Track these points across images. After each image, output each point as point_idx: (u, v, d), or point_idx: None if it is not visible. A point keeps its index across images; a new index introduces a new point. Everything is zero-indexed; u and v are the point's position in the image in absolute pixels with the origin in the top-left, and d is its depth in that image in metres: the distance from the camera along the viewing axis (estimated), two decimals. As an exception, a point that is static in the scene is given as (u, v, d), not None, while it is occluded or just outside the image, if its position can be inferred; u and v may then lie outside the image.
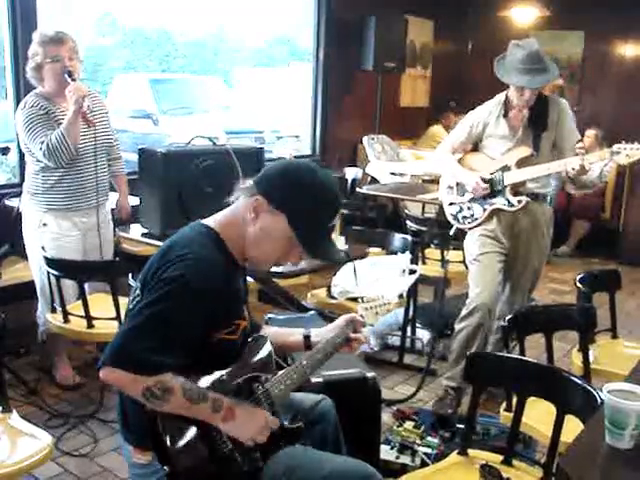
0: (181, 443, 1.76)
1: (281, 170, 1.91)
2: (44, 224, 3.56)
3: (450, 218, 3.77)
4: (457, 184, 3.71)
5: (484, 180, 3.52)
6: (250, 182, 1.92)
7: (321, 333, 2.19)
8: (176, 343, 1.72)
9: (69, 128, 3.39)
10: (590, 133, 7.00)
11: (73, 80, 3.41)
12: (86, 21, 14.53)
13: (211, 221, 1.94)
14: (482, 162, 3.60)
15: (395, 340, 4.42)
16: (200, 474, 1.81)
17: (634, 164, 3.33)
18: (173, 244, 1.86)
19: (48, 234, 3.55)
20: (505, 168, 3.50)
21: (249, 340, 2.02)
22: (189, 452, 1.77)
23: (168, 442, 1.74)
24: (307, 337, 2.19)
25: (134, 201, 3.88)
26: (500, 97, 3.55)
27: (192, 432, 1.78)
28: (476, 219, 3.62)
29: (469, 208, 3.65)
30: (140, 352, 1.67)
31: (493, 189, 3.53)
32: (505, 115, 3.51)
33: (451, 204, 3.75)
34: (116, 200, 3.94)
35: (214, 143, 3.64)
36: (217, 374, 1.86)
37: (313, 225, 1.89)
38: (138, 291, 1.85)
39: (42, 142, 3.39)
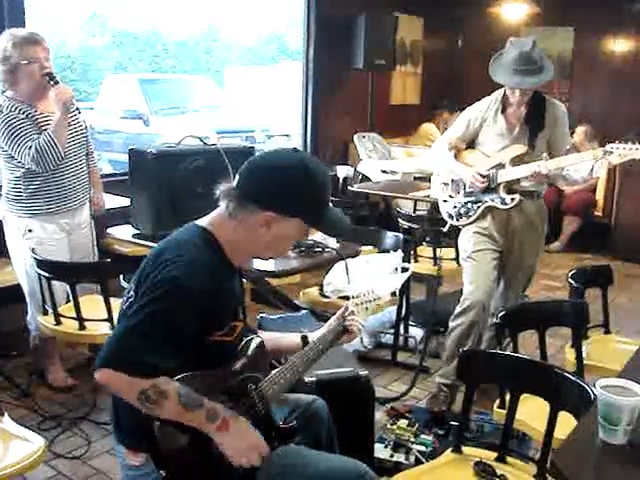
0: (176, 446, 1.75)
1: (280, 178, 1.85)
2: (29, 230, 3.49)
3: (444, 215, 3.77)
4: (452, 181, 3.71)
5: (481, 175, 3.51)
6: (237, 190, 1.87)
7: (317, 335, 2.19)
8: (171, 345, 1.71)
9: (58, 131, 3.34)
10: (580, 130, 7.04)
11: (56, 83, 3.35)
12: (75, 22, 14.50)
13: (205, 222, 1.92)
14: (477, 159, 3.59)
15: (388, 338, 4.41)
16: (195, 476, 1.81)
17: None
18: (166, 246, 1.86)
19: (34, 239, 3.48)
20: (499, 166, 3.50)
21: (245, 340, 2.01)
22: (184, 454, 1.76)
23: (163, 445, 1.74)
24: (304, 338, 2.19)
25: (125, 202, 3.86)
26: (498, 94, 3.54)
27: (187, 435, 1.77)
28: (470, 216, 3.62)
29: (463, 205, 3.65)
30: (136, 354, 1.67)
31: (489, 185, 3.53)
32: (503, 112, 3.51)
33: (445, 201, 3.75)
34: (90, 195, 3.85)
35: (205, 143, 3.63)
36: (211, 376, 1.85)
37: (322, 208, 1.93)
38: (132, 292, 1.84)
39: (29, 147, 3.30)
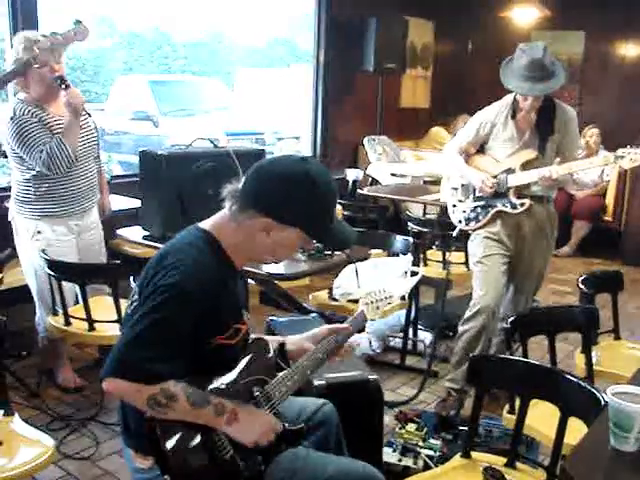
0: (181, 450, 1.75)
1: (281, 185, 1.84)
2: (38, 231, 3.50)
3: (454, 220, 3.76)
4: (462, 185, 3.70)
5: (490, 180, 3.51)
6: (241, 192, 1.87)
7: (296, 341, 2.16)
8: (176, 350, 1.72)
9: (69, 135, 3.35)
10: (593, 132, 6.98)
11: (67, 86, 3.33)
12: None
13: (208, 224, 1.92)
14: (487, 164, 3.59)
15: (397, 342, 4.41)
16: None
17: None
18: (169, 249, 1.86)
19: (43, 241, 3.49)
20: (509, 170, 3.50)
21: (249, 343, 2.01)
22: (190, 459, 1.76)
23: (168, 450, 1.73)
24: (282, 345, 2.15)
25: (135, 203, 3.87)
26: (508, 99, 3.53)
27: (192, 439, 1.77)
28: (479, 221, 3.61)
29: (473, 210, 3.65)
30: (141, 362, 1.67)
31: (499, 190, 3.53)
32: (513, 117, 3.50)
33: (455, 206, 3.75)
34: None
35: (215, 145, 3.63)
36: (216, 381, 1.85)
37: (324, 221, 1.91)
38: (136, 296, 1.85)
39: (41, 151, 3.31)
